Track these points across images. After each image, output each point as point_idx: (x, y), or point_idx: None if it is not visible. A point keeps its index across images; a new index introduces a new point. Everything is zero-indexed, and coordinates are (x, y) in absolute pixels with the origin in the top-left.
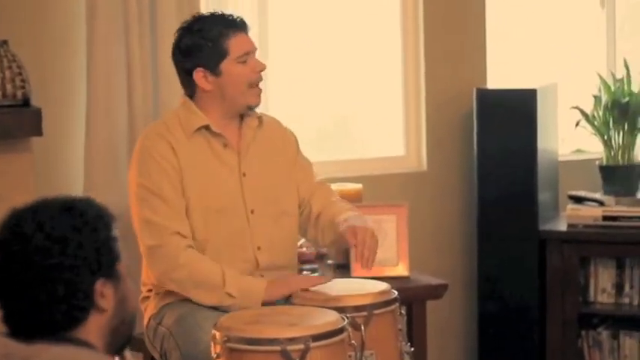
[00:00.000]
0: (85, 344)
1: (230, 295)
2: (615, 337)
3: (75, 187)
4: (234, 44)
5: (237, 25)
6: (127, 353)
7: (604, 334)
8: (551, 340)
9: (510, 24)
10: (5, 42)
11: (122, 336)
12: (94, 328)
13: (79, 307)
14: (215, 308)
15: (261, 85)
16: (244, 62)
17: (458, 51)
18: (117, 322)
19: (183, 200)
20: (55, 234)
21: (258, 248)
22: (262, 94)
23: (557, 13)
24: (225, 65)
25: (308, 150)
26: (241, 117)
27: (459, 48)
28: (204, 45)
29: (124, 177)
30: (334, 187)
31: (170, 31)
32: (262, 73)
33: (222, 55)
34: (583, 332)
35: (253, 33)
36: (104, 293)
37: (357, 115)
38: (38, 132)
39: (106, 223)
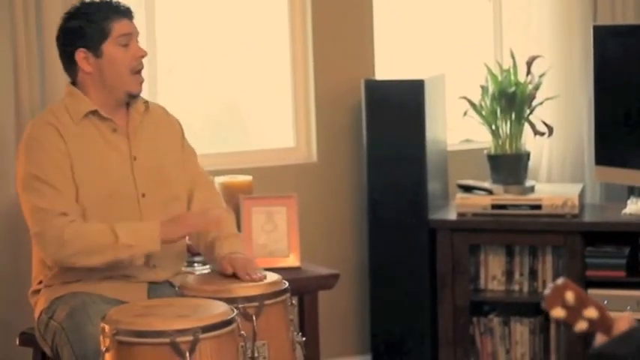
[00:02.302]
0: None
1: (128, 246)
2: (506, 323)
3: None
4: (116, 27)
5: (120, 11)
6: None
7: (495, 320)
8: (443, 327)
9: (398, 15)
10: None
11: None
12: None
13: None
14: (103, 296)
15: (143, 74)
16: (125, 46)
17: (346, 42)
18: None
19: (73, 185)
20: None
21: None
22: (151, 83)
23: (444, 4)
24: (107, 47)
25: (197, 141)
26: (128, 102)
27: (348, 39)
28: (87, 27)
29: (11, 168)
30: (224, 179)
31: (56, 20)
32: (149, 62)
33: (104, 35)
34: (475, 319)
35: (140, 17)
36: None
37: (247, 106)
38: None
39: None
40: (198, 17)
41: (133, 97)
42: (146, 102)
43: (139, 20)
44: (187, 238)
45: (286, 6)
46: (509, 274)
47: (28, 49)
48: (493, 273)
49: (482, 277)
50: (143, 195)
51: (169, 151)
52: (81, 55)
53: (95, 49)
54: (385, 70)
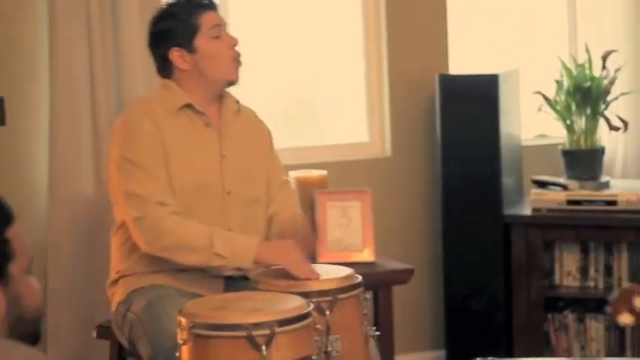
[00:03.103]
0: None
1: (219, 256)
2: (581, 320)
3: (39, 177)
4: (203, 20)
5: (204, 4)
6: (32, 278)
7: (570, 317)
8: (517, 324)
9: (472, 9)
10: None
11: (24, 333)
12: None
13: None
14: (181, 289)
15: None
16: (217, 37)
17: (420, 36)
18: (13, 320)
19: (167, 173)
20: None
21: (229, 230)
22: None
23: None
24: (199, 41)
25: (273, 136)
26: (220, 100)
27: (422, 33)
28: (176, 25)
29: (89, 165)
30: (299, 173)
31: (132, 17)
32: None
33: (194, 30)
34: (549, 316)
35: None
36: None
37: (321, 101)
38: (1, 121)
39: None
40: (271, 11)
41: (232, 84)
42: (238, 102)
43: None
44: None
45: (360, 0)
46: (583, 271)
47: (104, 45)
48: (568, 269)
49: (557, 273)
50: (228, 193)
51: (257, 154)
52: (175, 54)
53: (188, 45)
54: (459, 65)
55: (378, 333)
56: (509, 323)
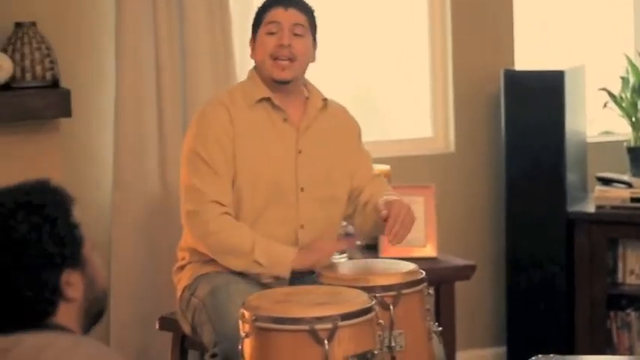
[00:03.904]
0: (61, 328)
1: (258, 263)
2: None
3: (103, 169)
4: (268, 15)
5: (282, 1)
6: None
7: (632, 315)
8: (579, 321)
9: (538, 5)
10: (34, 24)
11: (94, 314)
12: (66, 314)
13: (48, 302)
14: (247, 276)
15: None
16: (272, 34)
17: (485, 32)
18: (88, 303)
19: (231, 172)
20: (15, 236)
21: (302, 227)
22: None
23: None
24: (259, 34)
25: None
26: (307, 97)
27: (487, 29)
28: (256, 16)
29: (152, 158)
30: None
31: (197, 13)
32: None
33: (259, 23)
34: (611, 313)
35: None
36: (71, 282)
37: (385, 96)
38: (67, 113)
39: (65, 211)
40: (337, 8)
41: (279, 84)
42: (325, 99)
43: None
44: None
45: None
46: None
47: (170, 37)
48: (631, 267)
49: (620, 270)
50: (302, 189)
51: (338, 152)
52: (251, 42)
53: (254, 35)
54: (524, 61)
55: (440, 328)
56: (571, 320)
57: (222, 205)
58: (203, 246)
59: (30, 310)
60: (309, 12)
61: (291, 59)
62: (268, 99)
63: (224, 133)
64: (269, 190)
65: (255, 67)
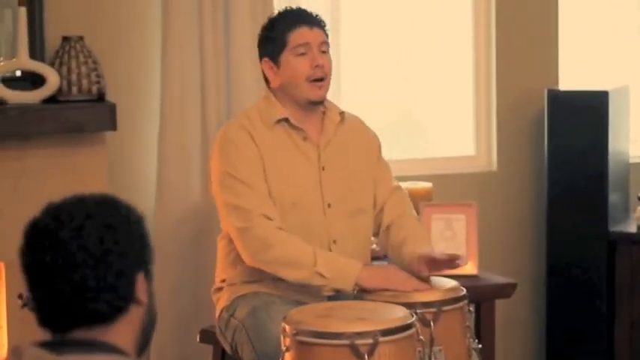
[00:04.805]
0: (115, 350)
1: (321, 275)
2: None
3: (148, 182)
4: (294, 36)
5: (303, 19)
6: None
7: None
8: (619, 341)
9: (583, 24)
10: (81, 38)
11: (148, 336)
12: (129, 324)
13: (122, 297)
14: (285, 297)
15: (329, 80)
16: (303, 55)
17: (530, 51)
18: (147, 320)
19: (266, 185)
20: (106, 222)
21: (334, 242)
22: (335, 91)
23: (630, 15)
24: (285, 56)
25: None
26: (323, 112)
27: (531, 48)
28: (271, 37)
29: (196, 172)
30: (404, 185)
31: (243, 27)
32: (334, 70)
33: (283, 45)
34: None
35: (325, 19)
36: (142, 288)
37: (428, 113)
38: (112, 126)
39: (139, 219)
40: (381, 25)
41: (314, 104)
42: (342, 113)
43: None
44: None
45: (470, 14)
46: None
47: (215, 53)
48: None
49: None
50: (329, 205)
51: (361, 164)
52: (265, 65)
53: (275, 58)
54: (569, 80)
55: (480, 346)
56: (611, 341)
57: (271, 218)
58: (260, 261)
59: (105, 300)
60: (325, 27)
61: (325, 78)
62: (286, 119)
63: (250, 151)
64: (297, 209)
65: (272, 89)
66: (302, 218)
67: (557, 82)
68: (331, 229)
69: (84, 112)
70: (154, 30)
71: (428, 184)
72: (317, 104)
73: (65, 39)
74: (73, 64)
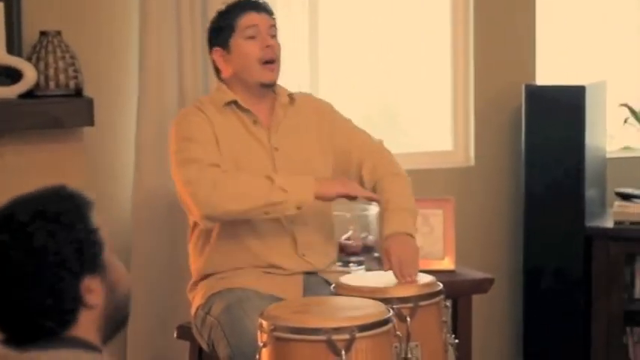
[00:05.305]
0: (80, 343)
1: (282, 189)
2: None
3: (125, 178)
4: (242, 20)
5: (251, 6)
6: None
7: None
8: (596, 336)
9: (560, 20)
10: (59, 32)
11: (118, 320)
12: (86, 323)
13: (69, 311)
14: (260, 292)
15: (280, 62)
16: (252, 38)
17: (507, 46)
18: (110, 309)
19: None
20: (33, 245)
21: (292, 222)
22: (313, 84)
23: (606, 9)
24: (234, 40)
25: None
26: (273, 97)
27: (509, 43)
28: (220, 26)
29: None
30: None
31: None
32: (311, 64)
33: (231, 30)
34: (628, 329)
35: (303, 21)
36: (92, 289)
37: (405, 108)
38: (90, 122)
39: (82, 216)
40: (359, 20)
41: (266, 87)
42: (291, 94)
43: (301, 24)
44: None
45: (449, 9)
46: None
47: (193, 50)
48: None
49: (637, 286)
50: None
51: (314, 143)
52: (216, 54)
53: (225, 44)
54: (546, 76)
55: (457, 341)
56: (588, 335)
57: (222, 166)
58: (212, 205)
59: (51, 320)
60: (273, 15)
61: (276, 60)
62: (236, 102)
63: (206, 126)
64: None
65: (224, 80)
66: None
67: (534, 78)
68: None
69: (61, 107)
70: (132, 25)
71: None
72: (268, 87)
73: (43, 34)
74: (51, 59)
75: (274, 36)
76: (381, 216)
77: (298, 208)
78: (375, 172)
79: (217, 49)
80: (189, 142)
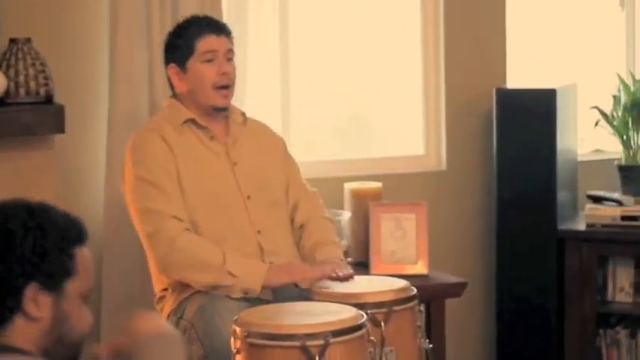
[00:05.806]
0: (17, 351)
1: (231, 274)
2: (633, 336)
3: (96, 185)
4: (201, 43)
5: (211, 28)
6: (85, 308)
7: (622, 333)
8: (569, 339)
9: (530, 24)
10: (29, 40)
11: (61, 357)
12: (24, 334)
13: (5, 306)
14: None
15: (237, 88)
16: (210, 61)
17: (478, 50)
18: (53, 338)
19: (180, 190)
20: (6, 227)
21: (259, 232)
22: (284, 91)
23: (576, 13)
24: (191, 63)
25: (327, 148)
26: (226, 115)
27: (479, 47)
28: (178, 43)
29: None
30: (353, 185)
31: None
32: (282, 70)
33: (190, 52)
34: (601, 331)
35: (274, 28)
36: (37, 301)
37: (377, 113)
38: (60, 129)
39: (65, 237)
40: (329, 26)
41: (219, 111)
42: (244, 113)
43: (272, 31)
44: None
45: (418, 14)
46: (637, 286)
47: (164, 73)
48: (621, 285)
49: (610, 288)
50: (248, 197)
51: (270, 159)
52: (172, 70)
53: (182, 64)
54: (517, 79)
55: (431, 345)
56: (561, 338)
57: (182, 220)
58: (169, 265)
59: None
60: (231, 35)
61: (230, 86)
62: (193, 120)
63: (163, 155)
64: (218, 202)
65: (176, 96)
66: (224, 211)
67: (504, 81)
68: (254, 220)
69: (32, 115)
70: (103, 32)
71: (377, 184)
72: (221, 111)
73: (12, 41)
74: (21, 66)
75: (231, 59)
76: (314, 248)
77: (245, 293)
78: (307, 214)
79: (173, 66)
80: (149, 184)
